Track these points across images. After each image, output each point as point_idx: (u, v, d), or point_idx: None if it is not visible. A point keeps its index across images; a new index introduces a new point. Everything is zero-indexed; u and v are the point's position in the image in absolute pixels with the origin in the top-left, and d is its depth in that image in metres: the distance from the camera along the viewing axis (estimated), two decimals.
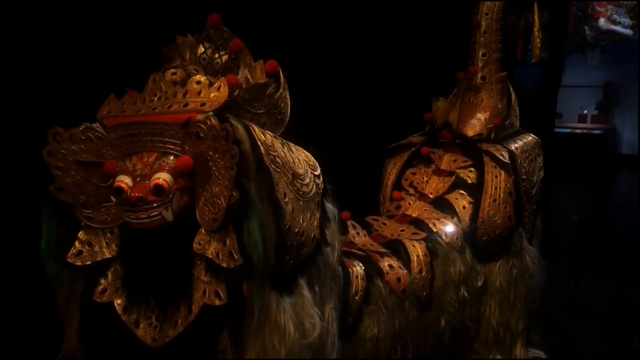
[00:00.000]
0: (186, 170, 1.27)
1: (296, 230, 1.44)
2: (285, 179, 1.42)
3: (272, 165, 1.38)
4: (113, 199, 1.36)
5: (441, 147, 2.48)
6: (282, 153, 1.44)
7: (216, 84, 1.40)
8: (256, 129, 1.38)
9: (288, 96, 1.63)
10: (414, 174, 2.44)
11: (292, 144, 1.54)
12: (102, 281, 1.34)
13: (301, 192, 1.46)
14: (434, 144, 2.50)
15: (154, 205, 1.24)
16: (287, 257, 1.42)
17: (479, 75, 2.52)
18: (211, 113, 1.34)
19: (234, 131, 1.30)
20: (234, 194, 1.30)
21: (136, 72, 1.50)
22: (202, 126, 1.27)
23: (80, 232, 1.35)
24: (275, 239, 1.36)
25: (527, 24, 2.65)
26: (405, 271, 2.03)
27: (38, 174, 1.34)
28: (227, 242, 1.28)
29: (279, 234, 1.37)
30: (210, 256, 1.27)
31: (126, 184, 1.27)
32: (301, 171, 1.48)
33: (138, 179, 1.26)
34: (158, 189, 1.24)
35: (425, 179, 2.39)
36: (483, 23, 2.50)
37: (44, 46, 1.91)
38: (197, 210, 1.29)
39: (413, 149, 2.51)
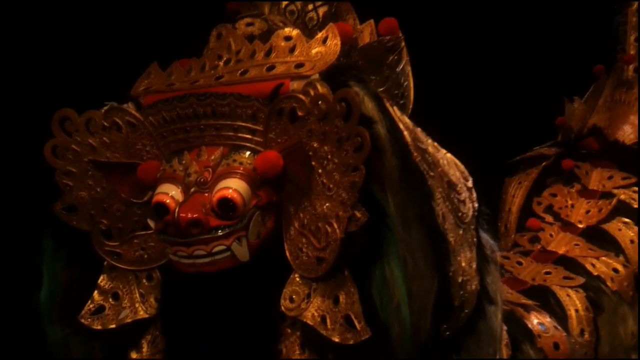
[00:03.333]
0: (272, 174, 0.81)
1: (460, 280, 0.86)
2: (441, 190, 0.86)
3: (424, 165, 0.82)
4: (151, 223, 0.88)
5: (586, 159, 1.87)
6: (431, 148, 0.88)
7: (320, 34, 0.88)
8: (394, 105, 0.83)
9: (410, 72, 1.08)
10: (554, 195, 1.84)
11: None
12: (134, 355, 0.93)
13: (460, 214, 0.90)
14: (574, 155, 1.90)
15: (219, 233, 0.79)
16: (444, 326, 0.85)
17: (631, 67, 1.92)
18: (316, 76, 0.82)
19: (359, 105, 0.74)
20: (358, 214, 0.76)
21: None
22: (302, 98, 0.79)
23: (101, 278, 0.94)
24: (434, 296, 0.79)
25: None
26: (564, 333, 1.43)
27: (36, 185, 0.96)
28: (342, 299, 0.79)
29: (441, 286, 0.80)
30: (310, 322, 0.81)
31: (172, 197, 0.82)
32: (454, 179, 0.92)
33: (192, 190, 0.82)
34: (225, 206, 0.80)
35: (570, 202, 1.80)
36: None
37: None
38: (286, 244, 0.84)
39: (544, 163, 1.92)
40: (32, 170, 0.92)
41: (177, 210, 0.78)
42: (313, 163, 0.81)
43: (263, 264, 0.84)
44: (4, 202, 1.21)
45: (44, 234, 0.93)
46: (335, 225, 0.78)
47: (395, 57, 1.04)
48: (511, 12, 2.42)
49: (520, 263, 1.69)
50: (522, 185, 1.95)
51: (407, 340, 0.77)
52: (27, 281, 0.94)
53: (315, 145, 0.80)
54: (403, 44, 1.06)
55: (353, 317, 0.77)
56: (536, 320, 1.47)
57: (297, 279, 0.82)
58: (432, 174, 0.86)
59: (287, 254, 0.83)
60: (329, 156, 0.78)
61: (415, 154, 0.81)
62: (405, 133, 0.81)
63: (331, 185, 0.79)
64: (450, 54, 2.32)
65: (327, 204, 0.79)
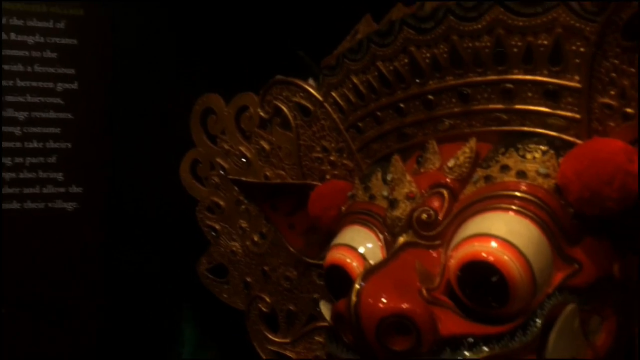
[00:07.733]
0: (610, 203, 0.32)
1: None
2: None
3: None
4: (325, 311, 0.46)
5: None
6: None
7: None
8: None
9: None
10: None
11: None
12: None
13: None
14: None
15: (467, 355, 0.31)
16: None
17: None
18: None
19: None
20: None
21: None
22: None
23: None
24: None
25: None
26: None
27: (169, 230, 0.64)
28: None
29: None
30: None
31: (362, 257, 0.39)
32: None
33: (403, 240, 0.37)
34: (481, 284, 0.32)
35: None
36: None
37: None
38: None
39: None
40: (159, 202, 0.56)
41: (357, 289, 0.32)
42: None
43: None
44: (121, 259, 0.80)
45: (181, 314, 0.56)
46: None
47: None
48: None
49: None
50: None
51: None
52: None
53: None
54: None
55: None
56: None
57: None
58: None
59: None
60: None
61: None
62: None
63: None
64: None
65: None
